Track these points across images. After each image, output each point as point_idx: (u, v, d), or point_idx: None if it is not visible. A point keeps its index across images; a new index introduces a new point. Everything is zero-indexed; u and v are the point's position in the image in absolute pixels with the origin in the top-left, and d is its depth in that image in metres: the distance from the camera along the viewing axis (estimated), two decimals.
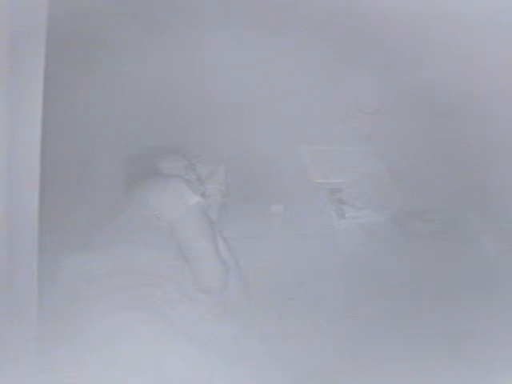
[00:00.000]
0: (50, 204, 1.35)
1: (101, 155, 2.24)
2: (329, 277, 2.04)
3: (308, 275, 2.03)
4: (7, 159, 1.21)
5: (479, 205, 2.20)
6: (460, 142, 2.22)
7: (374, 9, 1.99)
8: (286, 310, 1.95)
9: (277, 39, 2.22)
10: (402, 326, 1.89)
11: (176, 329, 1.50)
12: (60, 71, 1.46)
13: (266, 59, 2.31)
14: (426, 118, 2.32)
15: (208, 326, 1.56)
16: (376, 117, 2.51)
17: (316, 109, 2.45)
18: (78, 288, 1.57)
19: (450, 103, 2.24)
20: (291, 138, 2.43)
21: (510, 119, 2.01)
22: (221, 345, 1.54)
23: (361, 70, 2.47)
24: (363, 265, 2.09)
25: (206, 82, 2.28)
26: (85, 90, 2.01)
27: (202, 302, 1.62)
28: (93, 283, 1.56)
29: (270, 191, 2.32)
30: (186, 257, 1.68)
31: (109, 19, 2.04)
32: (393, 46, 2.25)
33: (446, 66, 2.17)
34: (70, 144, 1.97)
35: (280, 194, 2.33)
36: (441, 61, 2.17)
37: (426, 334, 1.87)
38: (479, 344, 1.81)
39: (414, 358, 1.76)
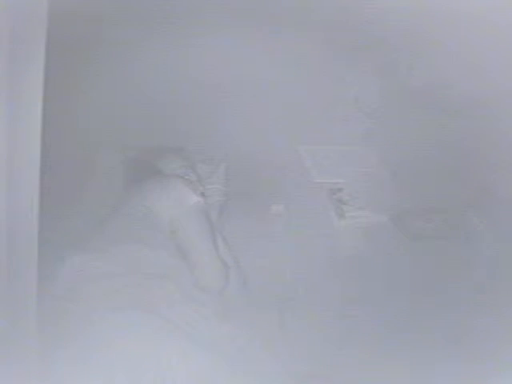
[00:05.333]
0: (50, 204, 1.35)
1: (101, 155, 2.24)
2: (329, 277, 2.03)
3: (308, 275, 2.03)
4: (7, 159, 1.21)
5: (479, 205, 2.20)
6: (460, 142, 2.22)
7: (374, 9, 1.99)
8: (286, 310, 1.95)
9: (277, 39, 2.22)
10: (402, 326, 1.89)
11: (176, 329, 1.50)
12: (60, 71, 1.46)
13: (266, 59, 2.31)
14: (426, 117, 2.32)
15: (208, 326, 1.56)
16: (376, 117, 2.51)
17: (316, 109, 2.45)
18: (77, 288, 1.57)
19: (450, 103, 2.24)
20: (291, 137, 2.43)
21: (511, 119, 2.01)
22: (221, 345, 1.54)
23: (361, 70, 2.47)
24: (363, 265, 2.09)
25: (206, 82, 2.28)
26: (85, 90, 2.01)
27: (202, 301, 1.62)
28: (93, 283, 1.56)
29: (269, 191, 2.32)
30: (185, 257, 1.68)
31: (109, 19, 2.04)
32: (393, 46, 2.26)
33: (446, 66, 2.17)
34: (70, 144, 1.97)
35: (280, 194, 2.33)
36: (441, 61, 2.17)
37: (426, 334, 1.87)
38: (479, 344, 1.81)
39: (413, 357, 1.76)
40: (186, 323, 1.53)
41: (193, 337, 1.51)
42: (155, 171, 1.96)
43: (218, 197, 2.06)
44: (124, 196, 1.84)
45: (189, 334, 1.51)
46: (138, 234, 1.68)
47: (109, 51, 2.12)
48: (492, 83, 2.00)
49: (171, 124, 2.31)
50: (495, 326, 1.84)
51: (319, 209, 2.34)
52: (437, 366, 1.75)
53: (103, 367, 1.41)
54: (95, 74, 2.05)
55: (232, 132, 2.28)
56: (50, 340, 1.45)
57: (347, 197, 2.36)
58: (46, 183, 1.28)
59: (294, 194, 2.33)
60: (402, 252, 2.16)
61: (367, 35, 2.24)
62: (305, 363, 1.76)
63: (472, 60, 2.02)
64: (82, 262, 1.63)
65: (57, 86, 1.36)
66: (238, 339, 1.61)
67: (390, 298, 1.98)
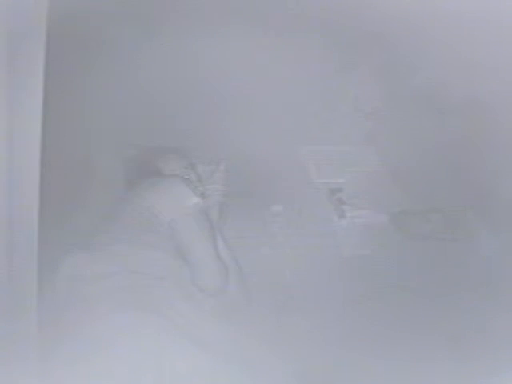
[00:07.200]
0: (50, 204, 1.35)
1: (101, 155, 2.24)
2: (329, 277, 2.03)
3: (308, 275, 2.04)
4: (7, 159, 1.21)
5: (479, 205, 2.20)
6: (460, 142, 2.22)
7: (374, 8, 1.99)
8: (286, 309, 1.95)
9: (276, 39, 2.22)
10: (402, 326, 1.89)
11: (176, 329, 1.50)
12: (60, 71, 1.46)
13: (266, 59, 2.31)
14: (426, 117, 2.32)
15: (208, 326, 1.56)
16: (376, 117, 2.51)
17: (316, 109, 2.45)
18: (77, 288, 1.57)
19: (450, 103, 2.24)
20: (291, 137, 2.43)
21: (510, 119, 2.01)
22: (221, 345, 1.54)
23: (361, 70, 2.47)
24: (363, 265, 2.09)
25: (206, 82, 2.28)
26: (85, 89, 2.01)
27: (202, 302, 1.62)
28: (93, 283, 1.56)
29: (269, 191, 2.32)
30: (185, 257, 1.68)
31: (109, 19, 2.04)
32: (393, 46, 2.25)
33: (446, 66, 2.17)
34: (70, 144, 1.97)
35: (280, 194, 2.33)
36: (441, 61, 2.17)
37: (426, 334, 1.87)
38: (479, 344, 1.81)
39: (413, 357, 1.76)
40: (185, 323, 1.53)
41: (192, 337, 1.51)
42: (155, 171, 1.95)
43: (217, 197, 2.06)
44: (124, 196, 1.83)
45: (188, 334, 1.51)
46: (138, 234, 1.68)
47: (109, 51, 2.12)
48: (492, 83, 2.00)
49: (171, 124, 2.31)
50: (494, 325, 1.84)
51: (319, 209, 2.34)
52: (436, 366, 1.75)
53: (103, 367, 1.41)
54: (95, 73, 2.05)
55: (232, 132, 2.28)
56: (49, 340, 1.45)
57: (347, 197, 2.36)
58: (46, 183, 1.28)
59: (293, 194, 2.33)
60: (402, 252, 2.16)
61: (367, 35, 2.24)
62: (304, 363, 1.76)
63: (472, 60, 2.02)
64: (82, 261, 1.63)
65: (57, 85, 1.36)
66: (238, 339, 1.61)
67: (390, 297, 1.98)
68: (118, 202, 1.82)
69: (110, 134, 2.22)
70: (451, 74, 2.15)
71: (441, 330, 1.89)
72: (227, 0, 2.16)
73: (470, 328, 1.88)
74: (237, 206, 2.14)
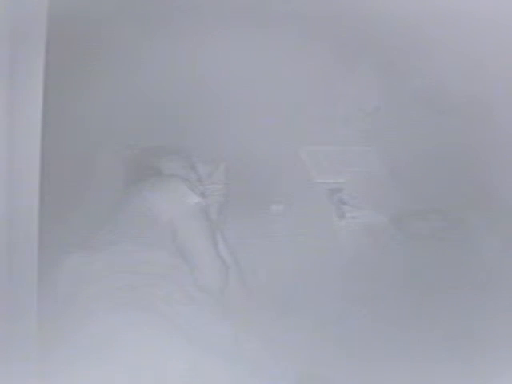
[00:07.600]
0: (50, 204, 1.35)
1: (101, 155, 2.24)
2: (328, 276, 2.04)
3: (308, 275, 2.04)
4: (7, 159, 1.21)
5: (479, 205, 2.20)
6: (460, 142, 2.22)
7: (374, 9, 1.99)
8: (286, 309, 1.95)
9: (277, 39, 2.22)
10: (402, 327, 1.89)
11: (176, 329, 1.50)
12: (60, 71, 1.46)
13: (266, 59, 2.31)
14: (427, 118, 2.32)
15: (208, 326, 1.56)
16: (376, 117, 2.51)
17: (316, 109, 2.45)
18: (77, 288, 1.57)
19: (450, 103, 2.24)
20: (291, 137, 2.43)
21: (511, 119, 2.01)
22: (221, 345, 1.54)
23: (361, 70, 2.48)
24: (363, 265, 2.09)
25: (206, 82, 2.28)
26: (85, 89, 2.01)
27: (202, 301, 1.62)
28: (93, 283, 1.56)
29: (270, 191, 2.32)
30: (185, 257, 1.69)
31: (109, 19, 2.04)
32: (393, 46, 2.26)
33: (446, 66, 2.17)
34: (70, 144, 1.97)
35: (280, 194, 2.33)
36: (441, 61, 2.18)
37: (426, 334, 1.87)
38: (479, 344, 1.81)
39: (413, 358, 1.76)
40: (185, 323, 1.53)
41: (192, 336, 1.51)
42: (155, 171, 1.96)
43: (217, 197, 2.06)
44: (124, 196, 1.84)
45: (189, 334, 1.51)
46: (138, 233, 1.68)
47: (108, 51, 2.12)
48: (492, 83, 2.00)
49: (171, 124, 2.31)
50: (494, 325, 1.84)
51: (319, 209, 2.34)
52: (436, 366, 1.75)
53: (103, 367, 1.41)
54: (95, 73, 2.05)
55: (232, 132, 2.28)
56: (49, 340, 1.45)
57: (347, 197, 2.36)
58: (46, 183, 1.28)
59: (294, 194, 2.33)
60: (402, 252, 2.16)
61: (367, 35, 2.24)
62: (305, 363, 1.76)
63: (472, 60, 2.03)
64: (81, 261, 1.63)
65: (57, 85, 1.36)
66: (238, 339, 1.61)
67: (390, 297, 1.98)
68: (118, 202, 1.82)
69: (110, 134, 2.22)
70: (451, 75, 2.15)
71: (440, 330, 1.89)
72: (227, 0, 2.16)
73: (469, 328, 1.88)
74: (237, 206, 2.14)
